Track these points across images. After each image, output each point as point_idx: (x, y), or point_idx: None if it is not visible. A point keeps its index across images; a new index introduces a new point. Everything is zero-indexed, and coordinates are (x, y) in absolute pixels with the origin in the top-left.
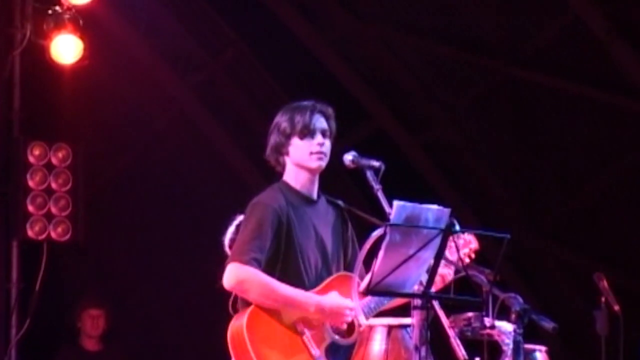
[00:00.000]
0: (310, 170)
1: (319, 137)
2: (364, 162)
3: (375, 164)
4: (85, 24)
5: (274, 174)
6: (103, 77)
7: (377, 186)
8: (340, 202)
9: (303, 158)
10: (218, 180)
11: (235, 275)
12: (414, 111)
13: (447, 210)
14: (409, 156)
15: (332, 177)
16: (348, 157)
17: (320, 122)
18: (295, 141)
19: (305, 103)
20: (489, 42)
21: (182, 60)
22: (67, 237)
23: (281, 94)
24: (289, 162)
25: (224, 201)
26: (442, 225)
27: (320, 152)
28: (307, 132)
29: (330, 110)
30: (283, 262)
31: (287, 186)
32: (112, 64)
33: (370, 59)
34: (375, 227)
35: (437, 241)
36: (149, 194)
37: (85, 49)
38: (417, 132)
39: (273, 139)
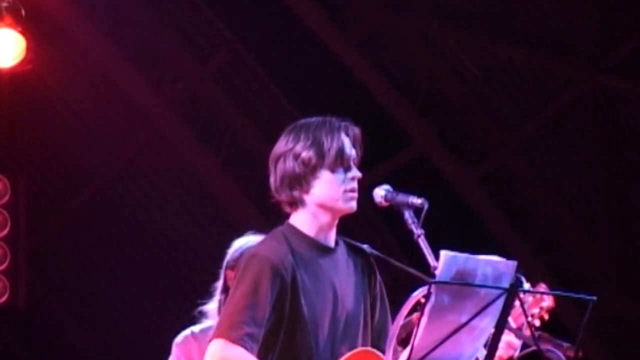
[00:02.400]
0: (338, 213)
1: (354, 170)
2: (401, 198)
3: (416, 201)
4: (28, 15)
5: (277, 214)
6: (53, 87)
7: (418, 231)
8: (365, 247)
9: (333, 197)
10: (204, 220)
11: (221, 357)
12: (468, 133)
13: (511, 263)
14: (460, 191)
15: (356, 219)
16: (380, 193)
17: (351, 149)
18: (325, 175)
19: (329, 120)
20: (570, 43)
21: (159, 67)
22: (3, 299)
23: (289, 109)
24: (308, 200)
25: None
26: (506, 284)
27: (355, 190)
28: (341, 163)
29: (358, 132)
30: (287, 337)
31: (296, 232)
32: (65, 70)
33: (408, 64)
34: (415, 286)
35: (499, 304)
36: (114, 241)
37: (28, 49)
38: (472, 160)
39: (287, 168)
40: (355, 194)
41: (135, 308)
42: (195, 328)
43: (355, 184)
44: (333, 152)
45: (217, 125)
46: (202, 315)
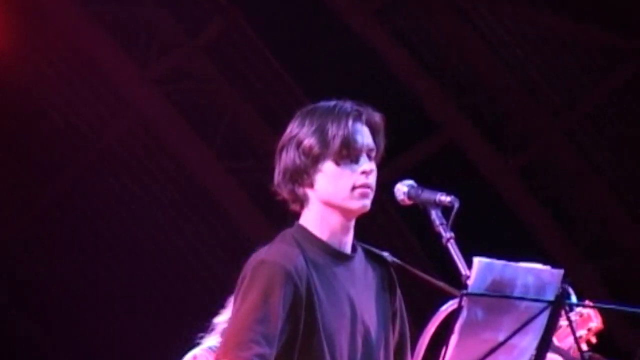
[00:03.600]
0: (348, 213)
1: (364, 162)
2: (427, 196)
3: (445, 199)
4: None
5: (282, 214)
6: (25, 67)
7: (447, 234)
8: (385, 255)
9: (339, 194)
10: (197, 221)
11: None
12: (505, 117)
13: (557, 272)
14: (497, 186)
15: (376, 219)
16: (402, 189)
17: (365, 137)
18: (328, 167)
19: (340, 105)
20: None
21: (143, 41)
22: None
23: (296, 91)
24: (312, 197)
25: (206, 256)
26: (550, 296)
27: (366, 186)
28: (347, 154)
29: (378, 119)
30: (302, 357)
31: (307, 235)
32: (37, 48)
33: (438, 39)
34: (445, 298)
35: (542, 320)
36: (89, 243)
37: None
38: (510, 149)
39: (288, 159)
40: (368, 191)
41: (116, 323)
42: (200, 348)
43: (367, 179)
44: (338, 140)
45: (211, 110)
46: (212, 329)
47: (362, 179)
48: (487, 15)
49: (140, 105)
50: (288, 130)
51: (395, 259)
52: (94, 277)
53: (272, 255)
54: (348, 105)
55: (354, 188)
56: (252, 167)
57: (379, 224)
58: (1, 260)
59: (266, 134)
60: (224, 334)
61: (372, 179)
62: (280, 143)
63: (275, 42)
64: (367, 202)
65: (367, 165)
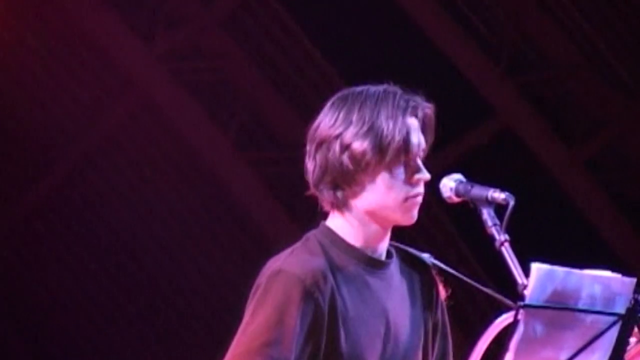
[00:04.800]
0: (392, 223)
1: (419, 169)
2: (478, 192)
3: (499, 196)
4: None
5: (309, 213)
6: (9, 41)
7: (501, 236)
8: (426, 257)
9: (388, 206)
10: (212, 221)
11: None
12: (570, 102)
13: (629, 281)
14: (560, 180)
15: (418, 219)
16: (449, 184)
17: (419, 137)
18: (383, 178)
19: (391, 95)
20: None
21: (148, 14)
22: None
23: (328, 71)
24: (354, 205)
25: (223, 263)
26: (621, 308)
27: (420, 196)
28: (403, 160)
29: (432, 112)
30: None
31: (337, 240)
32: (25, 21)
33: (492, 9)
34: (498, 310)
35: (611, 336)
36: (84, 248)
37: None
38: (577, 138)
39: (333, 160)
40: (419, 201)
41: (113, 340)
42: None
43: (421, 188)
44: (395, 145)
45: (227, 92)
46: None
47: (416, 190)
48: None
49: (144, 86)
50: (328, 120)
51: (437, 262)
52: (89, 285)
53: (290, 265)
54: (400, 96)
55: (406, 199)
56: (274, 158)
57: (421, 224)
58: None
59: (291, 120)
60: (226, 355)
61: (423, 186)
62: (319, 135)
63: (302, 13)
64: (416, 214)
65: (423, 174)
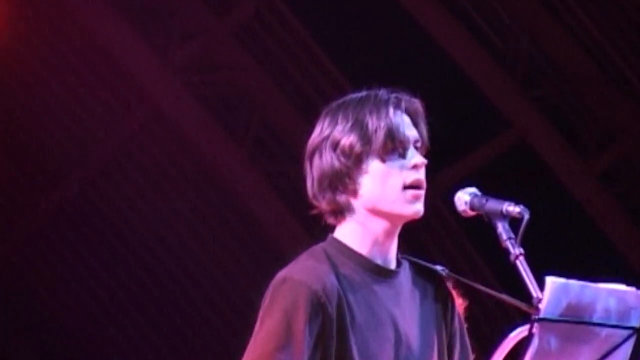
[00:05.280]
0: (397, 219)
1: (414, 155)
2: (493, 206)
3: (514, 209)
4: None
5: (325, 227)
6: (25, 55)
7: (516, 250)
8: (438, 268)
9: (388, 196)
10: (225, 233)
11: None
12: (585, 113)
13: None
14: (575, 192)
15: (433, 232)
16: (464, 198)
17: (408, 127)
18: (374, 166)
19: (373, 93)
20: None
21: (163, 25)
22: None
23: (341, 82)
24: (356, 206)
25: (237, 276)
26: (636, 322)
27: (419, 185)
28: (393, 147)
29: (418, 105)
30: None
31: (342, 248)
32: (40, 34)
33: (507, 21)
34: (512, 324)
35: (626, 350)
36: (97, 260)
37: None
38: (592, 150)
39: (325, 164)
40: (421, 193)
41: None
42: None
43: (418, 174)
44: (381, 132)
45: (241, 104)
46: None
47: (413, 175)
48: None
49: (159, 98)
50: (317, 131)
51: (450, 273)
52: (100, 293)
53: (295, 273)
54: (383, 92)
55: (404, 188)
56: (289, 170)
57: (436, 238)
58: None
59: (305, 132)
60: None
61: (423, 174)
62: (310, 148)
63: (315, 24)
64: (421, 207)
65: (418, 157)
